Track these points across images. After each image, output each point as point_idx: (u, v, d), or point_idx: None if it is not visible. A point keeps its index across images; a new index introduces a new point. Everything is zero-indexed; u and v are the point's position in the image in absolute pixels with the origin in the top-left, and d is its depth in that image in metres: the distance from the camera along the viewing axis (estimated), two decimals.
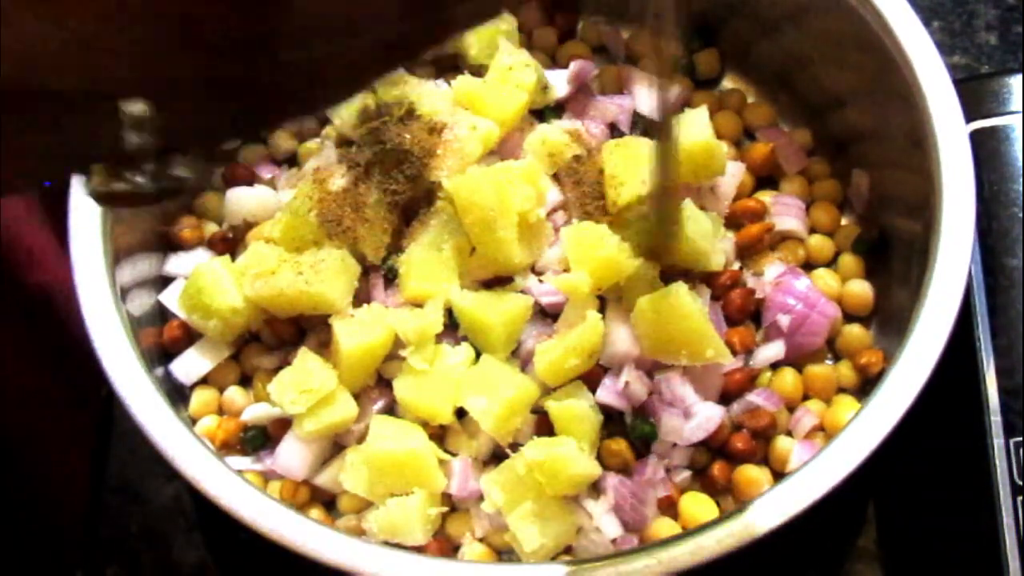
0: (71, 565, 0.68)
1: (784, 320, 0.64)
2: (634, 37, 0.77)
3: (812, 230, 0.70)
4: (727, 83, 0.76)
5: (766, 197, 0.70)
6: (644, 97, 0.72)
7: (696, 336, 0.60)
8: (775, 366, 0.66)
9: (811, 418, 0.64)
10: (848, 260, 0.69)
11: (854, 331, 0.67)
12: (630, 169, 0.64)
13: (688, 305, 0.60)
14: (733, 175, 0.68)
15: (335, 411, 0.61)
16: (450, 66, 0.74)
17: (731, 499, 0.63)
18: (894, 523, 0.67)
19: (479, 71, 0.70)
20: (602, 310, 0.63)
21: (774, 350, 0.65)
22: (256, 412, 0.64)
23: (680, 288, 0.60)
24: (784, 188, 0.71)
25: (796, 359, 0.66)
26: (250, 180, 0.71)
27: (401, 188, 0.64)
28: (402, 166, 0.64)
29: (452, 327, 0.64)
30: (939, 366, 0.54)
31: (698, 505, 0.62)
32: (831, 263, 0.70)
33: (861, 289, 0.67)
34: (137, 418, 0.57)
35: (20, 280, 0.71)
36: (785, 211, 0.69)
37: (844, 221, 0.71)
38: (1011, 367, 0.59)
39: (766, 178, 0.72)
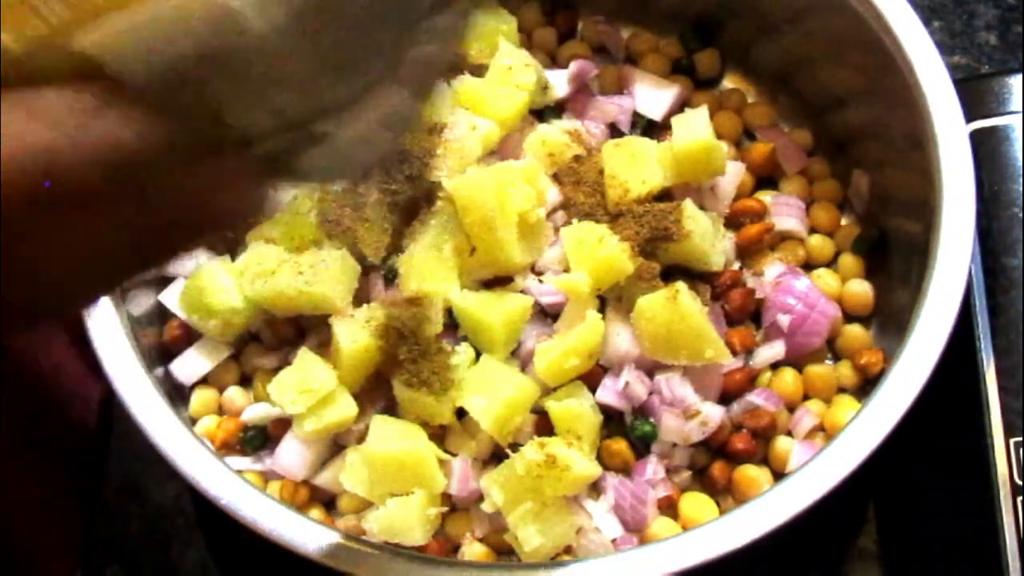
0: (71, 565, 0.68)
1: (784, 320, 0.64)
2: (634, 37, 0.77)
3: (812, 230, 0.70)
4: (727, 83, 0.76)
5: (766, 197, 0.70)
6: (644, 97, 0.72)
7: (696, 336, 0.60)
8: (775, 366, 0.66)
9: (811, 418, 0.64)
10: (848, 260, 0.69)
11: (854, 331, 0.67)
12: (630, 169, 0.64)
13: (688, 305, 0.60)
14: (733, 175, 0.68)
15: (335, 411, 0.61)
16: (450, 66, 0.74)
17: (731, 499, 0.63)
18: (894, 523, 0.67)
19: (479, 71, 0.70)
20: (602, 310, 0.63)
21: (774, 350, 0.65)
22: (256, 412, 0.64)
23: (680, 288, 0.60)
24: (784, 188, 0.71)
25: (796, 359, 0.66)
26: None
27: (401, 188, 0.64)
28: (402, 166, 0.64)
29: (452, 327, 0.64)
30: (939, 366, 0.54)
31: (698, 505, 0.62)
32: (831, 263, 0.70)
33: (861, 289, 0.67)
34: (137, 418, 0.57)
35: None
36: (785, 211, 0.69)
37: (844, 221, 0.71)
38: (1011, 367, 0.59)
39: (766, 178, 0.72)
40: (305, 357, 0.62)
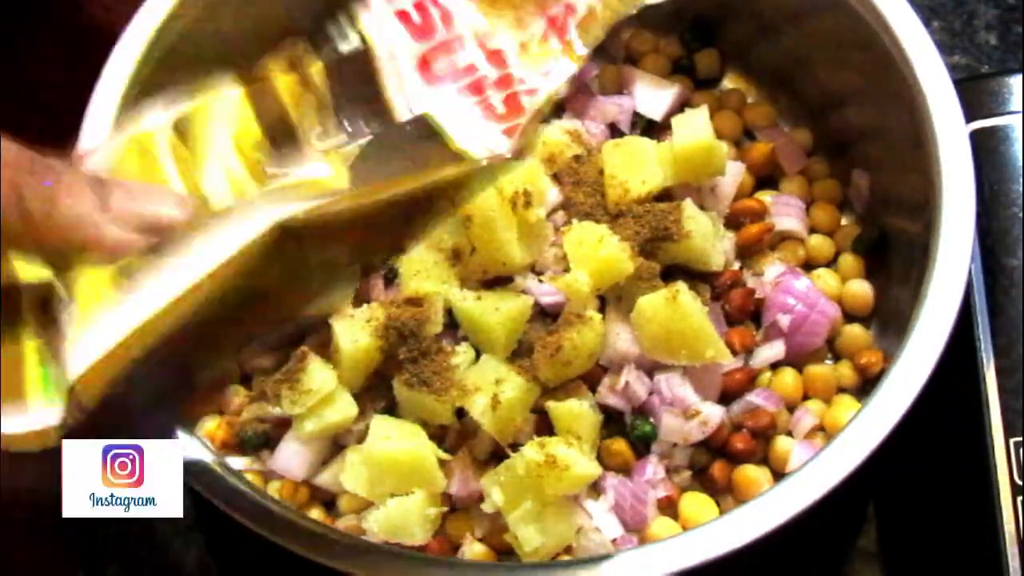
0: (71, 565, 0.68)
1: (784, 320, 0.64)
2: (634, 37, 0.77)
3: (812, 230, 0.70)
4: (727, 83, 0.76)
5: (766, 197, 0.70)
6: (644, 97, 0.72)
7: (696, 336, 0.60)
8: (775, 366, 0.66)
9: (811, 418, 0.64)
10: (848, 260, 0.69)
11: (854, 331, 0.67)
12: (630, 169, 0.64)
13: (688, 305, 0.60)
14: (733, 175, 0.68)
15: (335, 411, 0.61)
16: None
17: (731, 499, 0.63)
18: (894, 523, 0.67)
19: None
20: (602, 310, 0.63)
21: (774, 350, 0.65)
22: (256, 412, 0.64)
23: (680, 288, 0.60)
24: (784, 188, 0.71)
25: (796, 359, 0.66)
26: None
27: None
28: None
29: (452, 327, 0.64)
30: (939, 366, 0.54)
31: (698, 505, 0.62)
32: (831, 263, 0.70)
33: (861, 289, 0.67)
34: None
35: None
36: (785, 211, 0.69)
37: (844, 221, 0.71)
38: (1011, 367, 0.59)
39: (766, 178, 0.72)
40: (305, 357, 0.62)
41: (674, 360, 0.61)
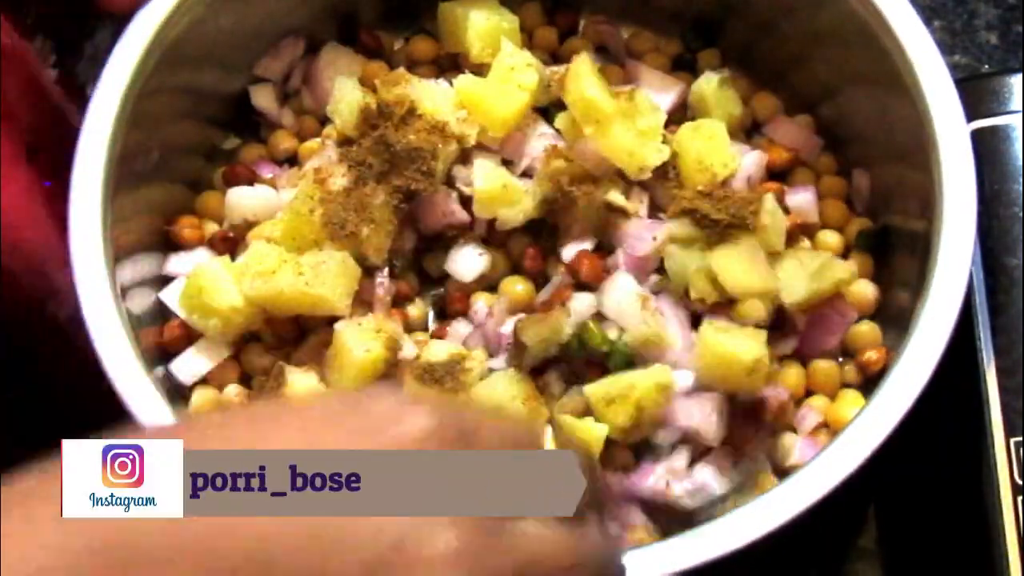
0: None
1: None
2: (634, 37, 0.77)
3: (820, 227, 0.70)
4: None
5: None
6: (648, 93, 0.72)
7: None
8: (781, 359, 0.65)
9: (815, 415, 0.63)
10: (856, 259, 0.68)
11: (862, 328, 0.66)
12: (712, 153, 0.65)
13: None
14: (756, 165, 0.68)
15: None
16: (451, 65, 0.74)
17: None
18: (894, 523, 0.67)
19: (480, 71, 0.70)
20: None
21: (786, 345, 0.65)
22: None
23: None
24: (795, 180, 0.71)
25: (805, 355, 0.66)
26: (250, 179, 0.71)
27: (421, 185, 0.64)
28: (415, 164, 0.64)
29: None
30: (939, 366, 0.54)
31: None
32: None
33: (865, 288, 0.67)
34: (137, 418, 0.56)
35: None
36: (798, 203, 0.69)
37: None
38: (1012, 366, 0.59)
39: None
40: (283, 372, 0.62)
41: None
